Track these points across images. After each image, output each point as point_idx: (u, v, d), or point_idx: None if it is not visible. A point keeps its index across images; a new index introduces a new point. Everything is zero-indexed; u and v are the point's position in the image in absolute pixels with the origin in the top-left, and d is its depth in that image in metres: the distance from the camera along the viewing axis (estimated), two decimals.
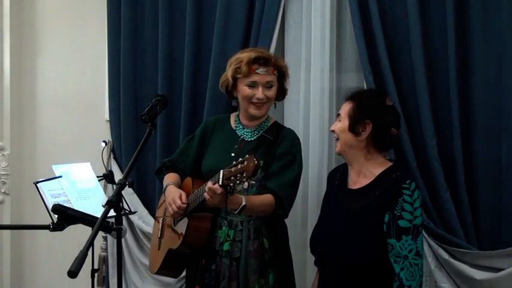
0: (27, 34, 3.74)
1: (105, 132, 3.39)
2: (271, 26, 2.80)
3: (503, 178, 2.43)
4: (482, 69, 2.46)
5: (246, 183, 2.10)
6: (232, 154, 2.33)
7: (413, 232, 1.93)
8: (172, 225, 2.42)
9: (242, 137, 2.40)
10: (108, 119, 3.39)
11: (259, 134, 2.40)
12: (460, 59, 2.47)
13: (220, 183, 2.01)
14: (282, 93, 2.44)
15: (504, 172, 2.43)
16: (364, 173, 2.10)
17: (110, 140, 3.34)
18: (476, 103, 2.47)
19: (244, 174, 1.93)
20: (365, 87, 2.60)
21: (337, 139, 2.15)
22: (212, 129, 2.48)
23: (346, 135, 2.10)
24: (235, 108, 2.60)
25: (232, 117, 2.50)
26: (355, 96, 2.14)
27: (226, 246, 2.28)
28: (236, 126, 2.44)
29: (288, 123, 2.77)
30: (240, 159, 1.97)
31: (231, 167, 1.99)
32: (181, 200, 2.28)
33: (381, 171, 2.07)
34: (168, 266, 2.44)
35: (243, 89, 2.34)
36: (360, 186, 2.10)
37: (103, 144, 3.28)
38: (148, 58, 3.21)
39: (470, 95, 2.49)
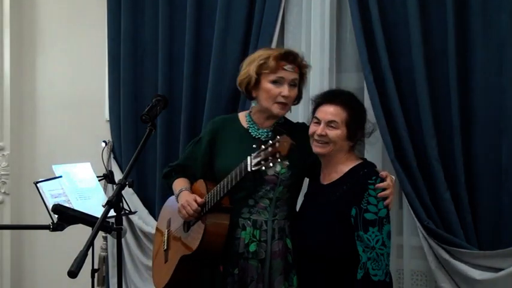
0: (27, 34, 3.74)
1: (105, 132, 3.40)
2: (271, 26, 2.81)
3: (503, 178, 2.43)
4: (482, 69, 2.45)
5: (278, 166, 2.06)
6: (253, 155, 2.16)
7: (379, 224, 2.01)
8: (183, 231, 2.33)
9: (258, 137, 2.29)
10: (108, 119, 3.39)
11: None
12: (460, 59, 2.46)
13: (249, 169, 2.01)
14: (298, 97, 2.33)
15: (504, 172, 2.42)
16: (336, 169, 2.15)
17: (110, 140, 3.34)
18: (476, 103, 2.47)
19: (278, 156, 1.92)
20: (365, 87, 2.60)
21: (327, 143, 2.11)
22: (221, 130, 2.36)
23: (344, 143, 2.13)
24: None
25: (243, 117, 2.38)
26: (347, 104, 2.13)
27: (252, 247, 2.20)
28: (249, 126, 2.33)
29: None
30: (270, 142, 1.95)
31: (260, 151, 1.98)
32: (196, 201, 2.22)
33: (349, 168, 2.13)
34: (178, 278, 2.32)
35: (268, 87, 2.21)
36: (329, 182, 2.16)
37: (103, 144, 3.29)
38: (148, 58, 3.21)
39: (470, 95, 2.48)
